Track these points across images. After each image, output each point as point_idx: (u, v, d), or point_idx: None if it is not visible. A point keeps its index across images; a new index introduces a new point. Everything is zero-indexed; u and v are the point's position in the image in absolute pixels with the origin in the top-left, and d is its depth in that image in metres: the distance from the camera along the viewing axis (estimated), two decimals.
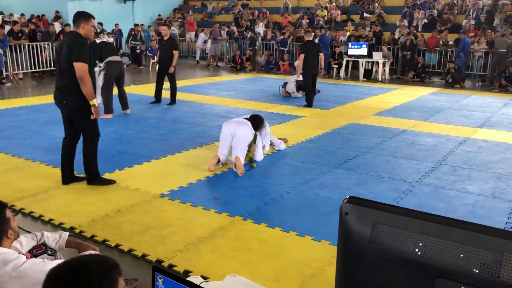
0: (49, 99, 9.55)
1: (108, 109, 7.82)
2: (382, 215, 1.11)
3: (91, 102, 4.29)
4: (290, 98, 10.45)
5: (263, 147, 5.73)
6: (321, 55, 9.29)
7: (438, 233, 1.04)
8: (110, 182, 4.67)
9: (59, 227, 3.69)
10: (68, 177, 4.64)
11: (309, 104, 9.33)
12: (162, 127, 7.31)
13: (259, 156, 5.57)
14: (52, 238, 2.50)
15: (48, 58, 13.55)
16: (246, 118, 5.54)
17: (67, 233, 2.54)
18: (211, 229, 3.68)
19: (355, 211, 1.14)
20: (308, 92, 9.40)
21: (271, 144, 5.97)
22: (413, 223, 1.07)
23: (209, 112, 8.62)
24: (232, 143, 5.26)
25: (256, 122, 5.49)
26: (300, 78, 9.78)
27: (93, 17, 4.43)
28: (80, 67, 4.16)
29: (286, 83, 10.74)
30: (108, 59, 7.85)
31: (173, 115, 8.31)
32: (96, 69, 7.66)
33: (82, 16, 4.33)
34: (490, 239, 0.99)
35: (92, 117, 4.37)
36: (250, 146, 5.41)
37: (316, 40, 12.87)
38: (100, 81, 7.89)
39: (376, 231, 1.10)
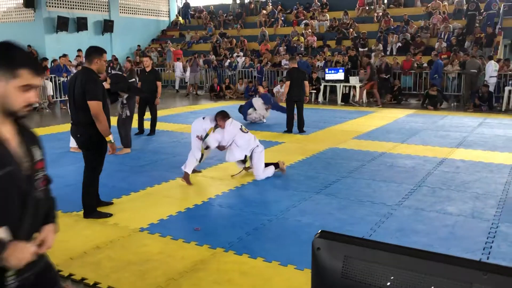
0: None
1: (127, 143, 7.70)
2: (353, 249, 1.11)
3: (107, 139, 4.38)
4: (271, 124, 10.50)
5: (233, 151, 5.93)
6: (306, 82, 9.41)
7: (409, 265, 1.04)
8: (107, 215, 4.64)
9: None
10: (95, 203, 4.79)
11: (289, 129, 9.40)
12: (142, 158, 7.26)
13: (229, 156, 5.96)
14: None
15: None
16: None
17: None
18: (192, 262, 3.62)
19: (326, 246, 1.14)
20: (288, 118, 9.47)
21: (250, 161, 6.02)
22: (384, 256, 1.08)
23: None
24: None
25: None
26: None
27: (105, 52, 4.55)
28: (95, 105, 4.26)
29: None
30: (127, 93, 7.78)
31: (153, 146, 8.27)
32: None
33: (95, 52, 4.43)
34: (459, 270, 1.00)
35: (109, 153, 4.52)
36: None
37: None
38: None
39: (348, 266, 1.10)
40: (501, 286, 0.94)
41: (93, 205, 4.65)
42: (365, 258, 1.09)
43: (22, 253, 1.57)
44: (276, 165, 6.09)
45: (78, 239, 4.11)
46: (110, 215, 4.66)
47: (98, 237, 4.13)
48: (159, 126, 9.57)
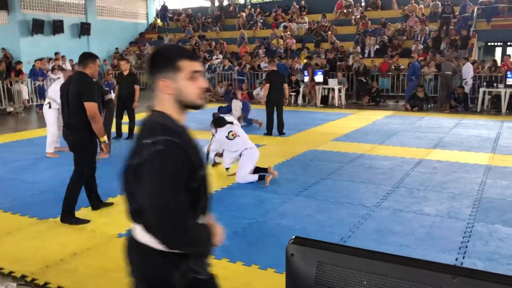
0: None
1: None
2: (327, 255, 1.12)
3: (102, 139, 4.56)
4: (250, 127, 10.49)
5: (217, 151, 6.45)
6: (285, 85, 9.48)
7: (381, 270, 1.05)
8: (84, 221, 4.59)
9: (9, 276, 3.50)
10: (96, 204, 4.97)
11: (269, 132, 9.42)
12: (119, 163, 7.15)
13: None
14: None
15: None
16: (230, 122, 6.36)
17: (15, 284, 2.42)
18: None
19: (300, 252, 1.14)
20: (268, 120, 9.48)
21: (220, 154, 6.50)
22: (357, 262, 1.08)
23: None
24: None
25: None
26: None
27: (98, 58, 4.75)
28: (91, 106, 4.42)
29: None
30: (107, 97, 7.69)
31: None
32: None
33: (90, 57, 4.63)
34: (430, 274, 1.01)
35: (100, 156, 4.63)
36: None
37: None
38: None
39: (322, 272, 1.10)
40: None
41: (71, 210, 4.59)
42: (338, 264, 1.10)
43: (221, 234, 1.79)
44: (262, 176, 6.04)
45: (55, 246, 4.04)
46: (88, 221, 4.60)
47: (75, 244, 4.06)
48: (137, 129, 9.45)
